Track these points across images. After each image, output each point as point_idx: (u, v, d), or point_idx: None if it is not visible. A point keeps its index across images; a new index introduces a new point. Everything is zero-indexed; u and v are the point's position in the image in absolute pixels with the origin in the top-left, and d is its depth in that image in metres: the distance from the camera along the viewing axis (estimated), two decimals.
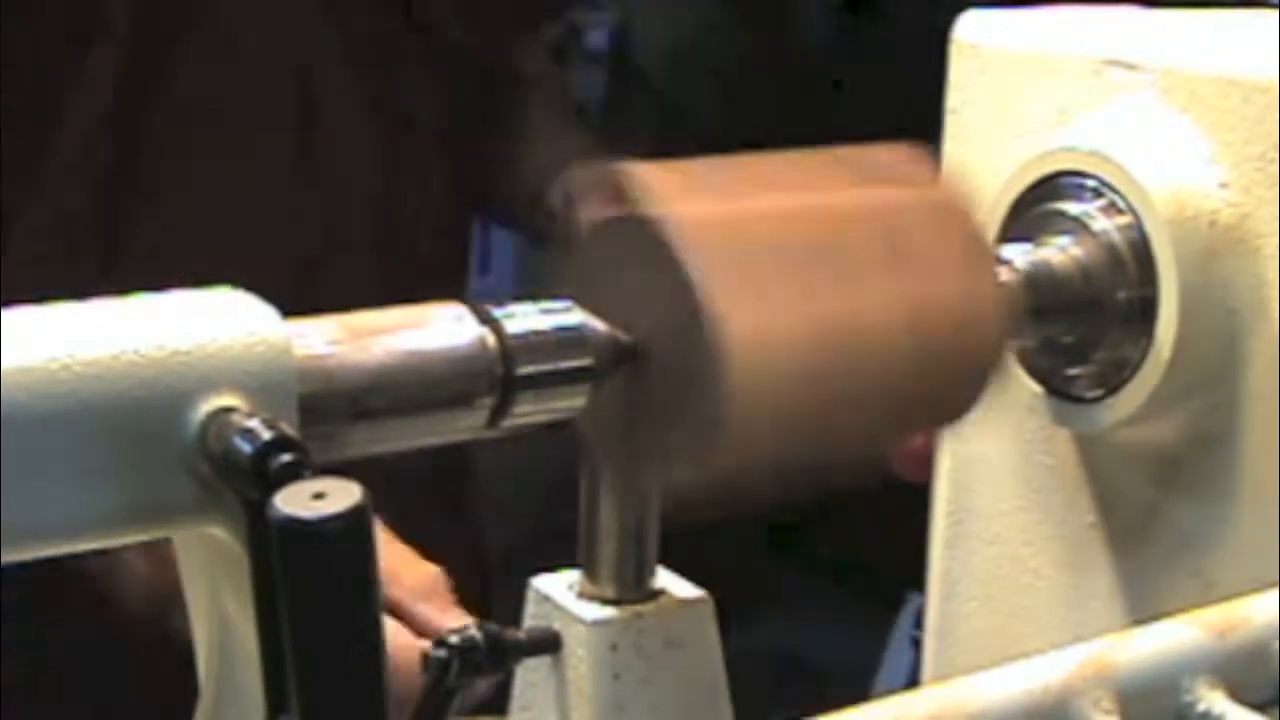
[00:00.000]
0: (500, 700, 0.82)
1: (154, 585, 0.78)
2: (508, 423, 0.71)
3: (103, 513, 0.62)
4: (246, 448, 0.60)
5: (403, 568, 1.02)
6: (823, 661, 2.67)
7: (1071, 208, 0.84)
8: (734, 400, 0.69)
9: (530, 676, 0.80)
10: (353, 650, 0.57)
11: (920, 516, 0.97)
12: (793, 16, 3.05)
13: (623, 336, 0.72)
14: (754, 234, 0.71)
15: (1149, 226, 0.82)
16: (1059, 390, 0.86)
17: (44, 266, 1.10)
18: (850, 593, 2.69)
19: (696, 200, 0.72)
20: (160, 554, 0.66)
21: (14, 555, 0.62)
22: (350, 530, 0.56)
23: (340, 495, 0.57)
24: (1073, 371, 0.85)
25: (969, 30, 0.92)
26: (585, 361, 0.72)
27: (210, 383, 0.62)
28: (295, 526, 0.56)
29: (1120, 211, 0.83)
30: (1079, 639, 0.66)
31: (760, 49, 3.04)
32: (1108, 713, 0.64)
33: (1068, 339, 0.84)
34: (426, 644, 0.79)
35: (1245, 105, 0.82)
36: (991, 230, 0.86)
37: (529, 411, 0.71)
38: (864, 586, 2.57)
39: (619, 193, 0.73)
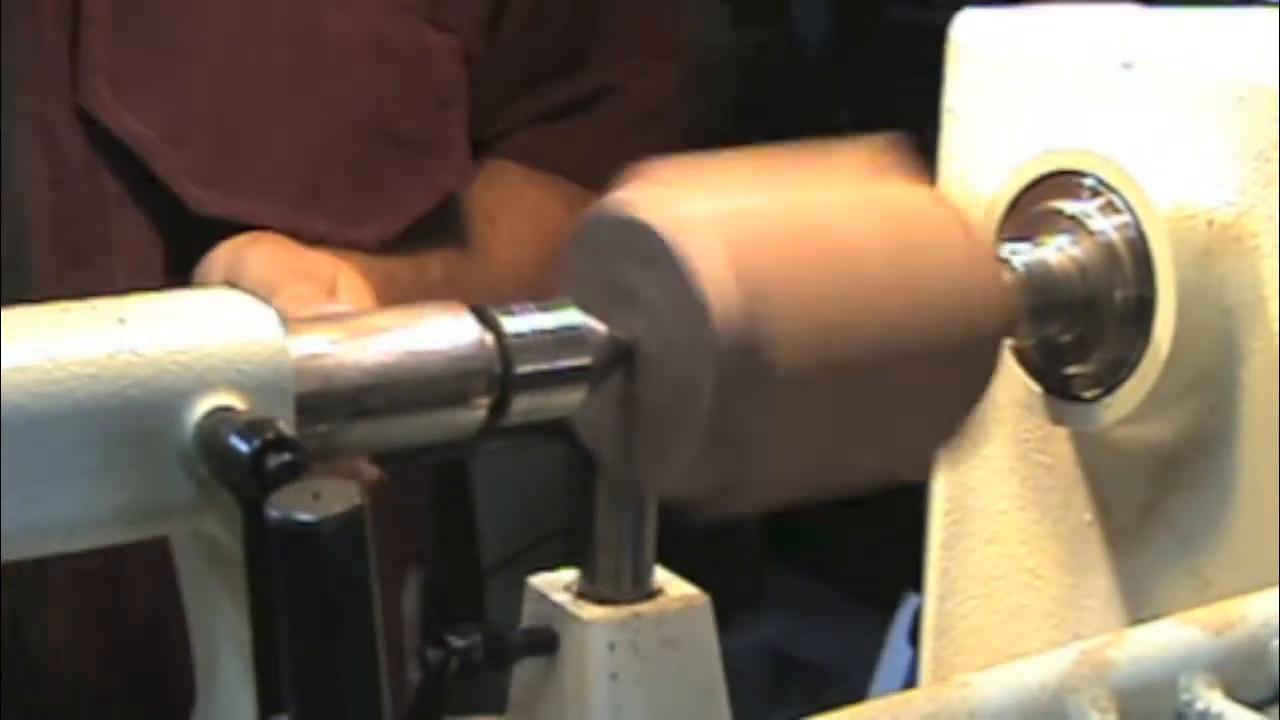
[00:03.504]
0: (498, 700, 0.82)
1: None
2: (506, 422, 0.71)
3: (100, 512, 0.62)
4: (244, 447, 0.60)
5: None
6: (820, 661, 2.67)
7: (1069, 207, 0.84)
8: (732, 402, 0.69)
9: (527, 676, 0.80)
10: (348, 650, 0.57)
11: (919, 516, 0.97)
12: (790, 16, 3.05)
13: (621, 336, 0.72)
14: (752, 233, 0.71)
15: (1147, 226, 0.82)
16: (1057, 389, 0.86)
17: None
18: (848, 592, 2.69)
19: (694, 199, 0.72)
20: None
21: (13, 555, 0.62)
22: (347, 531, 0.56)
23: (337, 495, 0.57)
24: (1070, 370, 0.85)
25: (966, 29, 0.92)
26: (583, 361, 0.72)
27: (207, 382, 0.62)
28: (292, 527, 0.56)
29: (1118, 210, 0.83)
30: (1077, 638, 0.66)
31: (758, 48, 3.04)
32: (1105, 711, 0.64)
33: (1065, 338, 0.84)
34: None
35: (1243, 104, 0.82)
36: (989, 229, 0.86)
37: (527, 411, 0.71)
38: (862, 586, 2.57)
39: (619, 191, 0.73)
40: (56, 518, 0.62)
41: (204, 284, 0.97)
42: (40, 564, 1.04)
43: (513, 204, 1.23)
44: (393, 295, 0.96)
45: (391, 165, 1.14)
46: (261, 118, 1.10)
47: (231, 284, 0.93)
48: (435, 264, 1.13)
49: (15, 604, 1.07)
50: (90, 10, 1.05)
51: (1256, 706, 0.66)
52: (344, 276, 0.95)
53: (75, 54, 1.05)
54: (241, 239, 1.01)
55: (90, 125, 1.06)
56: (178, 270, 1.05)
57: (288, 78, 1.10)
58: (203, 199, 1.07)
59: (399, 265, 1.11)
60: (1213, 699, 0.65)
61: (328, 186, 1.11)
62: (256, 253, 0.98)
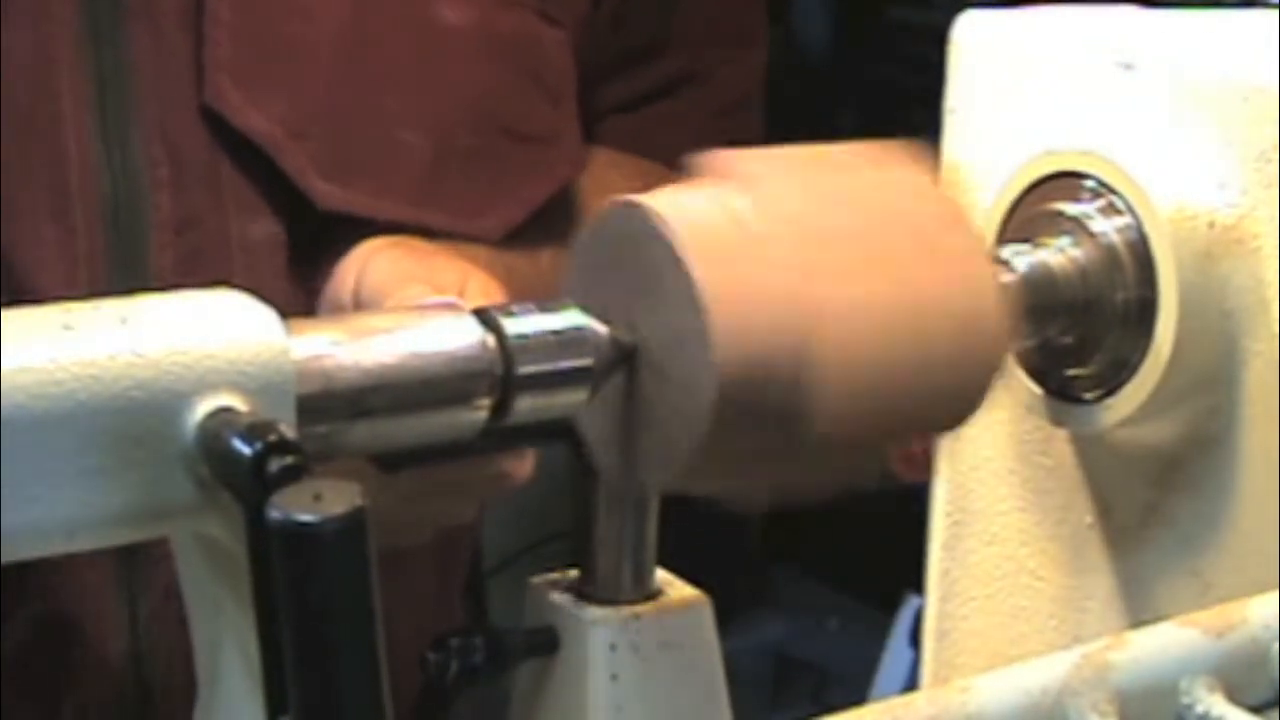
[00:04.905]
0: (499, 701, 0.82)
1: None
2: (507, 423, 0.71)
3: (101, 513, 0.62)
4: (245, 449, 0.60)
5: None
6: (821, 662, 2.67)
7: (1070, 208, 0.84)
8: (733, 404, 0.69)
9: (529, 677, 0.80)
10: (351, 651, 0.57)
11: (919, 517, 0.97)
12: (791, 16, 3.05)
13: (622, 337, 0.72)
14: (752, 234, 0.71)
15: (1148, 227, 0.82)
16: (1058, 391, 0.86)
17: None
18: (849, 593, 2.69)
19: (694, 199, 0.72)
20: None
21: (12, 555, 0.62)
22: (348, 532, 0.56)
23: (339, 497, 0.57)
24: (1071, 372, 0.85)
25: (967, 30, 0.92)
26: (585, 362, 0.72)
27: (208, 383, 0.62)
28: (294, 528, 0.56)
29: (1119, 212, 0.83)
30: (1078, 640, 0.66)
31: None
32: (1105, 715, 0.64)
33: (1066, 340, 0.84)
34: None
35: (1244, 105, 0.82)
36: (990, 231, 0.86)
37: (529, 412, 0.71)
38: (863, 587, 2.57)
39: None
40: (57, 518, 0.62)
41: (338, 288, 0.98)
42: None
43: (605, 189, 1.24)
44: (514, 288, 0.97)
45: (507, 158, 1.15)
46: (379, 112, 1.11)
47: (357, 290, 0.95)
48: (545, 253, 1.14)
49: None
50: (213, 9, 1.06)
51: (1257, 709, 0.66)
52: (473, 281, 0.95)
53: (199, 54, 1.06)
54: (375, 243, 1.02)
55: (212, 125, 1.07)
56: (298, 268, 1.06)
57: (404, 72, 1.11)
58: (327, 194, 1.08)
59: (516, 257, 1.13)
60: (1213, 702, 0.65)
61: (446, 180, 1.12)
62: (382, 258, 0.99)
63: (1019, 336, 0.84)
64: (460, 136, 1.13)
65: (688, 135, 1.22)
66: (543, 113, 1.17)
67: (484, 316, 0.71)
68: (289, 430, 0.61)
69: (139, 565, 1.07)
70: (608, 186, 1.23)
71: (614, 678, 0.77)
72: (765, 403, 0.70)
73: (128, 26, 1.05)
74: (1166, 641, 0.66)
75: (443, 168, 1.12)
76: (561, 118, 1.18)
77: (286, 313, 0.66)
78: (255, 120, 1.07)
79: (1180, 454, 0.85)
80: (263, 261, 1.07)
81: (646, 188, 1.28)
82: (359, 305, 0.95)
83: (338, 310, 0.97)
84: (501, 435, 0.72)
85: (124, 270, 1.05)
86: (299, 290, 1.05)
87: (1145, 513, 0.87)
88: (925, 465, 0.97)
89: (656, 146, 1.24)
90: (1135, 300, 0.82)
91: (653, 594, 0.79)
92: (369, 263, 0.98)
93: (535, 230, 1.15)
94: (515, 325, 0.71)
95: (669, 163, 1.23)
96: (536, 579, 0.81)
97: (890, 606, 2.32)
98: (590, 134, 1.25)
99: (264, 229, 1.08)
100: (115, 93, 1.05)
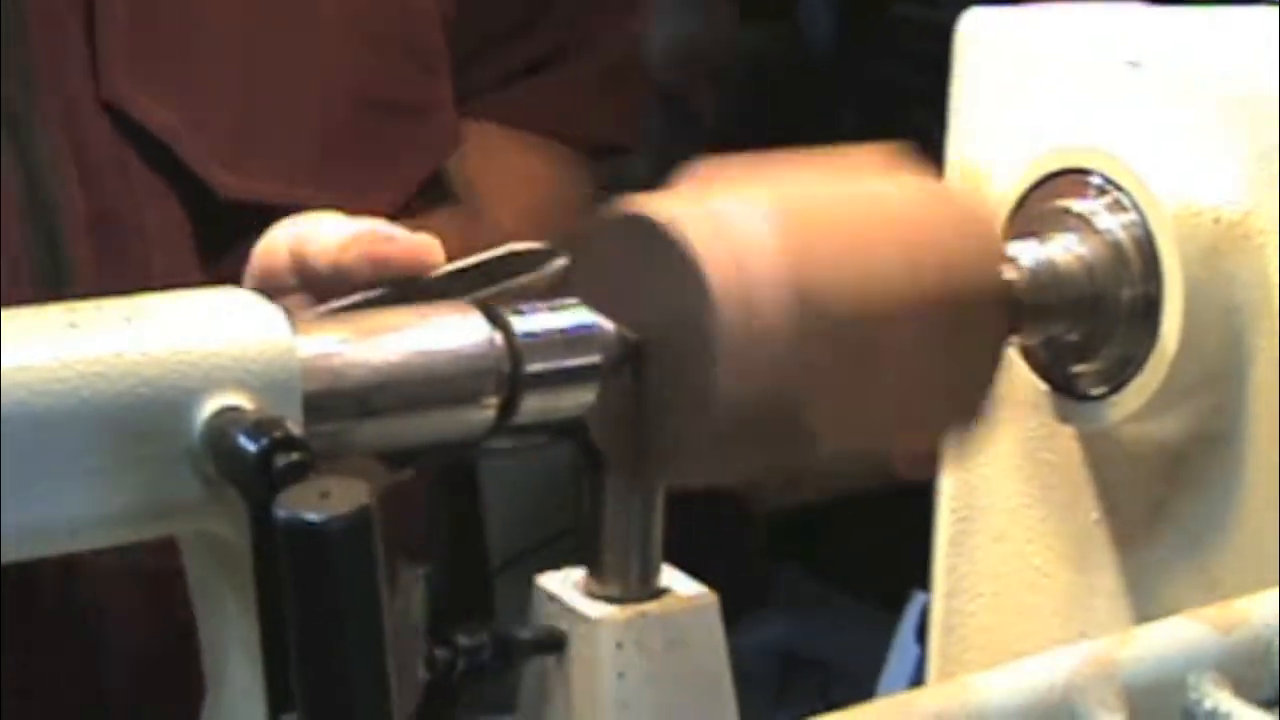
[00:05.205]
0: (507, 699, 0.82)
1: None
2: (515, 421, 0.71)
3: (106, 511, 0.62)
4: (251, 447, 0.60)
5: None
6: (828, 659, 2.67)
7: (1076, 205, 0.84)
8: (737, 398, 0.69)
9: (535, 675, 0.80)
10: (356, 650, 0.57)
11: (925, 514, 0.97)
12: (797, 13, 3.05)
13: (629, 335, 0.72)
14: (756, 229, 0.71)
15: (1153, 224, 0.82)
16: (1063, 387, 0.86)
17: None
18: (855, 591, 2.69)
19: (697, 196, 0.72)
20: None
21: (16, 555, 0.62)
22: (355, 530, 0.56)
23: (345, 495, 0.57)
24: (1077, 369, 0.85)
25: (973, 28, 0.92)
26: (593, 360, 0.72)
27: (215, 381, 0.62)
28: (299, 526, 0.56)
29: (1125, 209, 0.83)
30: (1084, 636, 0.66)
31: (763, 47, 3.04)
32: (1113, 711, 0.64)
33: (1072, 336, 0.84)
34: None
35: (1250, 102, 0.82)
36: (997, 220, 0.86)
37: (536, 410, 0.71)
38: (869, 584, 2.57)
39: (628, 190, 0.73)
40: (62, 517, 0.62)
41: (267, 258, 0.94)
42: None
43: (497, 167, 1.24)
44: None
45: (389, 134, 1.15)
46: (268, 98, 1.11)
47: (299, 245, 0.92)
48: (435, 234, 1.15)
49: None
50: (105, 1, 1.06)
51: (1265, 705, 0.66)
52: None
53: (94, 48, 1.06)
54: (291, 219, 1.01)
55: (115, 118, 1.06)
56: (208, 256, 1.06)
57: (287, 56, 1.12)
58: (227, 183, 1.08)
59: None
60: (1221, 698, 0.65)
61: (336, 161, 1.12)
62: (307, 216, 0.97)
63: (1025, 334, 0.84)
64: (343, 116, 1.13)
65: (573, 103, 1.22)
66: (418, 86, 1.17)
67: (491, 314, 0.71)
68: (295, 427, 0.61)
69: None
70: (496, 161, 1.24)
71: (620, 676, 0.77)
72: (771, 399, 0.70)
73: (24, 20, 1.05)
74: (1173, 637, 0.66)
75: (332, 149, 1.12)
76: (436, 90, 1.18)
77: None
78: (152, 112, 1.07)
79: (1186, 450, 0.85)
80: (179, 251, 1.07)
81: (543, 160, 1.28)
82: (298, 256, 0.90)
83: (273, 285, 0.93)
84: (509, 432, 0.72)
85: (45, 264, 1.04)
86: (214, 279, 1.04)
87: (1152, 509, 0.87)
88: (930, 463, 0.97)
89: (543, 117, 1.24)
90: (1141, 297, 0.82)
91: (659, 592, 0.79)
92: (297, 222, 0.95)
93: (419, 211, 1.15)
94: (523, 323, 0.71)
95: (556, 132, 1.24)
96: (543, 577, 0.81)
97: (896, 604, 2.32)
98: (473, 109, 1.24)
99: (176, 218, 1.08)
100: (21, 89, 1.05)
